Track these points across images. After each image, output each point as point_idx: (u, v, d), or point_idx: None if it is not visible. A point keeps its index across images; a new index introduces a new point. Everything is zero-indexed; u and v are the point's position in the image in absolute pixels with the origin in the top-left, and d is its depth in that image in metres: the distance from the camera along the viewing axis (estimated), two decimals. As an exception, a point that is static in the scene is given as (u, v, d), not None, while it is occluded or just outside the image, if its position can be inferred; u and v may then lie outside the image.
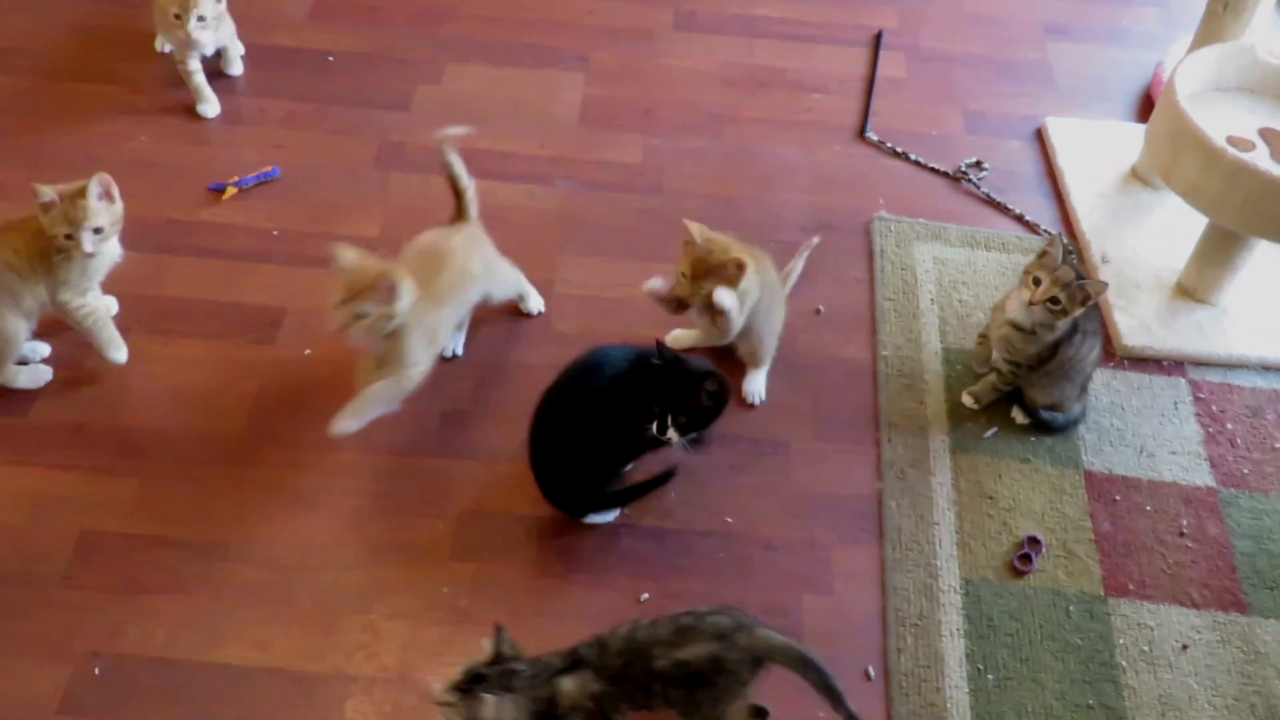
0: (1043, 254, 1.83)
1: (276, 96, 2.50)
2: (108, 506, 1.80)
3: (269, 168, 2.33)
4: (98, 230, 1.78)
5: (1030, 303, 1.82)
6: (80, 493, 1.81)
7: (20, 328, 1.85)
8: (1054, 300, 1.80)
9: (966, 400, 2.02)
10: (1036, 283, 1.81)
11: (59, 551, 1.74)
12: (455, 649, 1.67)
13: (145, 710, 1.59)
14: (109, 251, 1.86)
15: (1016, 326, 1.86)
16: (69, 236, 1.76)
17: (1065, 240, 1.85)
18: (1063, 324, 1.84)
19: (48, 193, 1.75)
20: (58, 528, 1.77)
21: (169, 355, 2.01)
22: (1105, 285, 1.84)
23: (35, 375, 1.95)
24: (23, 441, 1.87)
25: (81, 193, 1.75)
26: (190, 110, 2.44)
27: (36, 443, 1.87)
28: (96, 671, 1.61)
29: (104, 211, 1.78)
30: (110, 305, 1.99)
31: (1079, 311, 1.83)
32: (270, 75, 2.55)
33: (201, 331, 2.05)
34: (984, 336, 2.00)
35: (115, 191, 1.81)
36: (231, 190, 2.28)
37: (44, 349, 1.98)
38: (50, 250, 1.80)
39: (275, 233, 2.22)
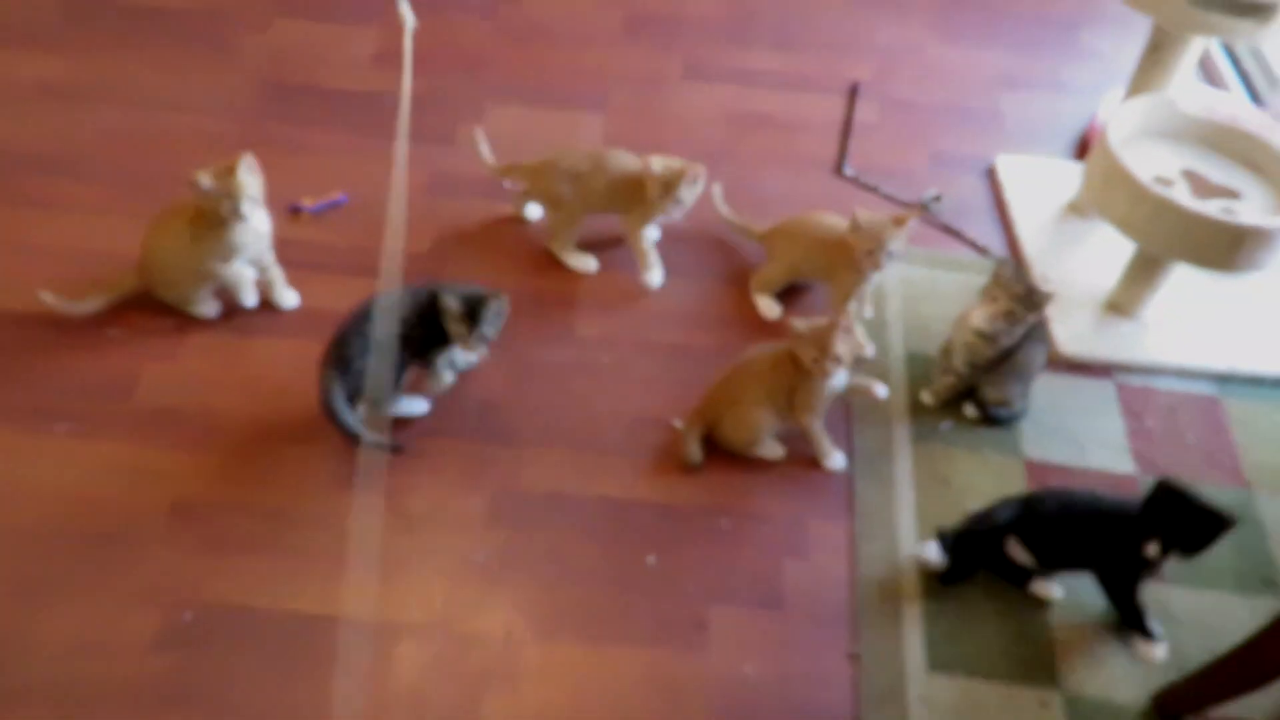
0: (996, 275, 1.87)
1: (342, 131, 2.52)
2: (196, 477, 1.83)
3: (338, 194, 2.34)
4: (252, 199, 1.92)
5: (991, 318, 1.86)
6: (174, 466, 1.84)
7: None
8: (1010, 313, 1.84)
9: (925, 398, 2.04)
10: (995, 299, 1.85)
11: (155, 515, 1.77)
12: (487, 603, 1.70)
13: (226, 649, 1.62)
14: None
15: (981, 335, 1.89)
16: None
17: (1013, 264, 1.87)
18: (1019, 330, 1.87)
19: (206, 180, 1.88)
20: (154, 495, 1.80)
21: (249, 349, 2.03)
22: (1052, 294, 1.85)
23: (209, 309, 2.08)
24: (126, 421, 1.90)
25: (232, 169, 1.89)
26: (266, 140, 2.46)
27: (137, 422, 1.90)
28: (186, 616, 1.64)
29: (253, 180, 1.92)
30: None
31: (1034, 317, 1.86)
32: (337, 113, 2.57)
33: (276, 330, 2.07)
34: (946, 350, 2.01)
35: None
36: (305, 215, 2.30)
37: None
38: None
39: (340, 248, 2.24)
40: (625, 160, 2.16)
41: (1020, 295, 1.83)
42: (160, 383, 1.96)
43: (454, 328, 1.83)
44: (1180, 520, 1.57)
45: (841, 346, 1.77)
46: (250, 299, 2.08)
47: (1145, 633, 1.69)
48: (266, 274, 2.07)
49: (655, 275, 2.22)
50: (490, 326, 1.84)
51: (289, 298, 2.11)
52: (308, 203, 2.31)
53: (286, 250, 2.13)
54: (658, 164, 2.10)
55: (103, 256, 2.13)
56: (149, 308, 2.06)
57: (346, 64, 2.72)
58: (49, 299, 1.99)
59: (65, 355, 1.99)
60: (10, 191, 2.30)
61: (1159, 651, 1.69)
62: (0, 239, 2.19)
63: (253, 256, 2.03)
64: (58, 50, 2.68)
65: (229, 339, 2.05)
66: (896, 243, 1.98)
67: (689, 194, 2.11)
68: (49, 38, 2.72)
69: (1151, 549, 1.59)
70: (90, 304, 2.01)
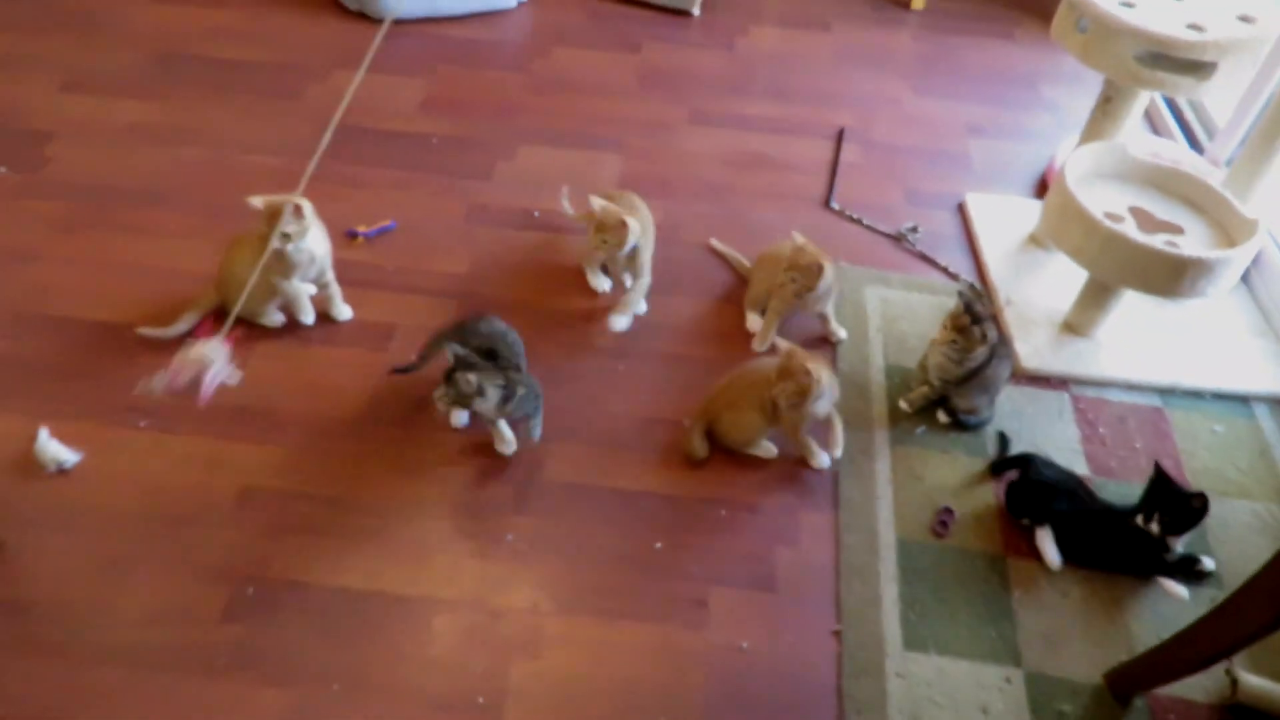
0: (953, 309, 1.86)
1: (393, 168, 2.52)
2: (261, 468, 1.81)
3: (388, 222, 2.34)
4: (285, 235, 1.89)
5: (939, 343, 1.87)
6: (242, 457, 1.83)
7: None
8: (954, 342, 1.84)
9: (902, 405, 2.01)
10: (945, 328, 1.86)
11: (225, 500, 1.76)
12: (514, 581, 1.68)
13: (285, 620, 1.60)
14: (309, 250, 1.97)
15: (948, 357, 1.87)
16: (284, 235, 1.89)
17: (979, 290, 1.86)
18: (980, 353, 1.85)
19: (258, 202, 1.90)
20: (224, 483, 1.78)
21: (310, 356, 2.02)
22: (987, 335, 1.84)
23: (275, 318, 2.06)
24: (201, 417, 1.88)
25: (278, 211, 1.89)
26: (327, 175, 2.46)
27: (211, 419, 1.88)
28: (250, 591, 1.62)
29: (292, 224, 1.90)
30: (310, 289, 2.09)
31: (981, 349, 1.84)
32: (388, 152, 2.57)
33: (333, 340, 2.06)
34: (923, 366, 1.98)
35: (306, 211, 1.92)
36: (360, 239, 2.29)
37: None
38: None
39: (389, 268, 2.23)
40: (618, 201, 2.14)
41: (963, 328, 1.83)
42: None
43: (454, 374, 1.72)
44: (1170, 503, 1.66)
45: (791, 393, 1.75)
46: (308, 318, 2.06)
47: (1170, 576, 1.73)
48: (326, 290, 2.07)
49: (618, 321, 2.11)
50: (455, 390, 1.71)
51: (344, 312, 2.10)
52: (362, 229, 2.30)
53: (342, 270, 2.12)
54: (598, 204, 2.04)
55: (185, 275, 2.14)
56: (222, 319, 2.05)
57: (396, 110, 2.72)
58: (147, 332, 2.00)
59: (149, 359, 1.96)
60: (107, 219, 2.31)
61: (1182, 591, 1.71)
62: (98, 259, 2.20)
63: (313, 275, 2.02)
64: (150, 98, 2.69)
65: (292, 347, 2.04)
66: (812, 279, 1.97)
67: (615, 239, 2.02)
68: (142, 87, 2.73)
69: (1154, 527, 1.66)
70: (181, 325, 2.01)
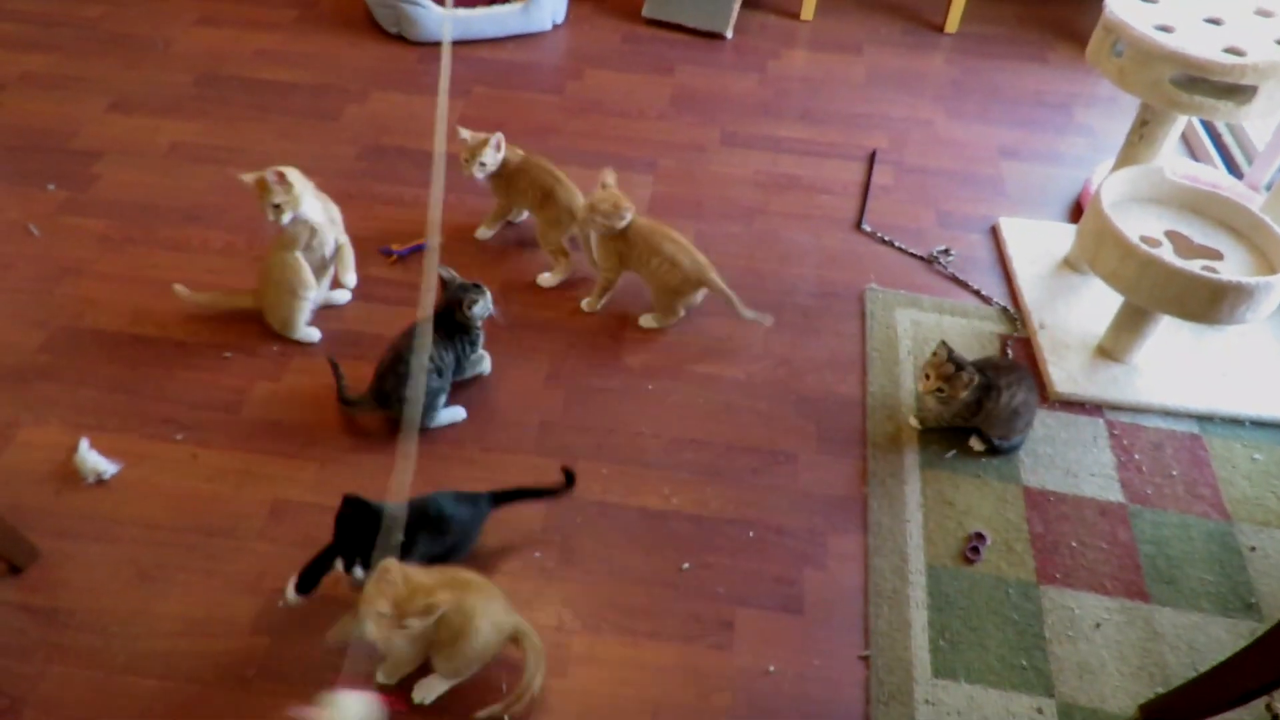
0: (934, 354, 1.86)
1: (428, 187, 2.55)
2: (293, 482, 1.84)
3: (419, 241, 2.37)
4: (276, 206, 1.94)
5: (923, 392, 1.87)
6: (274, 471, 1.85)
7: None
8: (940, 389, 1.84)
9: (912, 422, 1.99)
10: (927, 376, 1.86)
11: (257, 513, 1.78)
12: (542, 598, 1.68)
13: (314, 633, 1.61)
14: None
15: (939, 399, 1.88)
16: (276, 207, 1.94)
17: (1011, 312, 1.84)
18: (966, 394, 1.84)
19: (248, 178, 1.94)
20: (257, 496, 1.81)
21: (345, 373, 2.04)
22: (973, 379, 1.82)
23: (309, 334, 2.11)
24: (236, 432, 1.92)
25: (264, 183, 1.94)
26: (364, 193, 2.50)
27: (245, 433, 1.92)
28: (280, 604, 1.64)
29: (280, 193, 1.94)
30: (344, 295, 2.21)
31: (965, 393, 1.83)
32: (424, 172, 2.61)
33: (365, 356, 2.08)
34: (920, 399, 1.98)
35: (291, 177, 1.95)
36: (394, 258, 2.33)
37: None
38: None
39: (421, 287, 2.26)
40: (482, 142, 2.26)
41: (947, 375, 1.82)
42: (266, 399, 1.98)
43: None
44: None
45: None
46: (350, 279, 2.20)
47: None
48: (341, 254, 2.14)
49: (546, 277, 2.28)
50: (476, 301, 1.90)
51: (350, 279, 2.20)
52: (396, 247, 2.33)
53: (375, 288, 2.15)
54: (465, 133, 2.23)
55: (225, 291, 2.18)
56: (260, 335, 2.10)
57: (432, 129, 2.76)
58: (180, 290, 2.09)
59: (187, 373, 2.02)
60: (150, 235, 2.36)
61: None
62: (140, 275, 2.25)
63: (328, 252, 2.09)
64: (191, 118, 2.76)
65: (326, 363, 2.06)
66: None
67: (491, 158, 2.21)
68: (184, 108, 2.80)
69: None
70: (206, 298, 2.12)
